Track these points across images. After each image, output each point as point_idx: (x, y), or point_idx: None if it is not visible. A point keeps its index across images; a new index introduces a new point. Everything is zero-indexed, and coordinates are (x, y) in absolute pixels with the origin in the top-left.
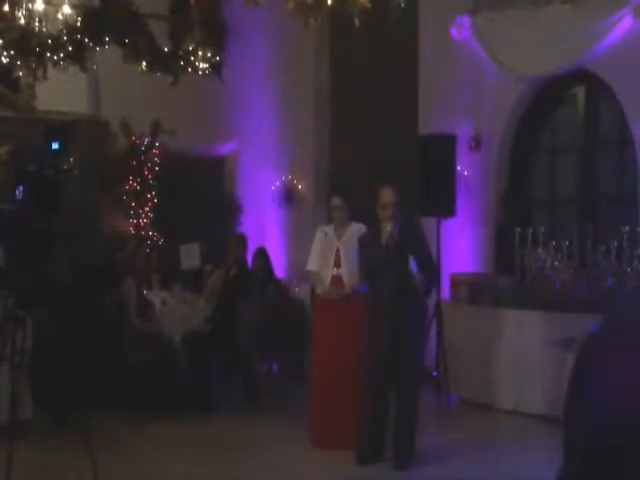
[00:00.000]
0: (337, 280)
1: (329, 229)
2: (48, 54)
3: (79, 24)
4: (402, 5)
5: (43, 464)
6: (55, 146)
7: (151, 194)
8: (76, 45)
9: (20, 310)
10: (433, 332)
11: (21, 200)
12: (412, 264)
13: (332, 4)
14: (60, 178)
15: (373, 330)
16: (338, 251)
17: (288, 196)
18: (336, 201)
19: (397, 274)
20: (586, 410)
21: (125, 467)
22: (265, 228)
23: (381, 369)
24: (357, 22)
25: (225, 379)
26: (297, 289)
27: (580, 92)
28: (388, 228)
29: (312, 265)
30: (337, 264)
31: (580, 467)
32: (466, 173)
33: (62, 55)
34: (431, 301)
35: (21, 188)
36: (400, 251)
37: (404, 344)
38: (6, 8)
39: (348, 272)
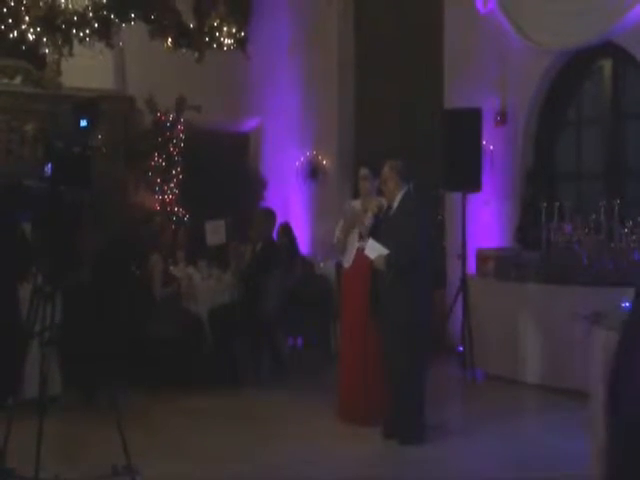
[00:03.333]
0: (361, 253)
1: (356, 203)
2: (74, 31)
3: (105, 0)
4: None
5: (72, 438)
6: (83, 123)
7: (176, 170)
8: (102, 21)
9: (49, 286)
10: (458, 306)
11: (50, 177)
12: (370, 245)
13: None
14: (88, 155)
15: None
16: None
17: (312, 171)
18: (363, 171)
19: None
20: (633, 389)
21: (153, 440)
22: (289, 203)
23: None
24: None
25: (251, 354)
26: (322, 264)
27: (606, 65)
28: (373, 204)
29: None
30: (362, 237)
31: (627, 442)
32: (492, 147)
33: (88, 32)
34: (456, 275)
35: (50, 165)
36: (376, 228)
37: (383, 317)
38: None
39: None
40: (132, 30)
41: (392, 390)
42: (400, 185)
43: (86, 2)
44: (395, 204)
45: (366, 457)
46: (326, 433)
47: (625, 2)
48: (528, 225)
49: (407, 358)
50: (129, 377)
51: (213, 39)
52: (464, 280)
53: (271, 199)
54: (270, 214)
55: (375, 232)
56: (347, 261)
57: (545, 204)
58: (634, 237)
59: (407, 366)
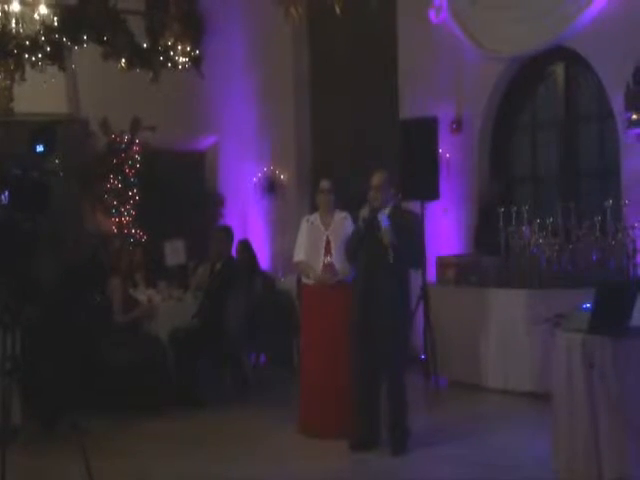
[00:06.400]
0: (329, 268)
1: (314, 218)
2: (26, 55)
3: (56, 24)
4: None
5: (36, 468)
6: (40, 148)
7: (132, 191)
8: (54, 45)
9: (8, 315)
10: (420, 315)
11: (6, 204)
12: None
13: None
14: (45, 180)
15: (352, 311)
16: (328, 240)
17: (270, 186)
18: (325, 184)
19: (368, 254)
20: None
21: (117, 466)
22: (248, 219)
23: (361, 351)
24: (338, 10)
25: (214, 373)
26: (283, 280)
27: (559, 69)
28: (363, 211)
29: (299, 256)
30: (328, 252)
31: None
32: (448, 155)
33: (40, 56)
34: (417, 284)
35: (6, 192)
36: (370, 231)
37: (379, 324)
38: None
39: (339, 259)
40: (84, 52)
41: (393, 399)
42: (390, 195)
43: (37, 26)
44: (385, 212)
45: (336, 470)
46: (294, 449)
47: (575, 6)
48: (486, 230)
49: (401, 362)
50: (91, 404)
51: (168, 58)
52: (424, 288)
53: (229, 216)
54: (227, 232)
55: (366, 236)
56: (313, 277)
57: (502, 208)
58: (592, 238)
59: (401, 371)
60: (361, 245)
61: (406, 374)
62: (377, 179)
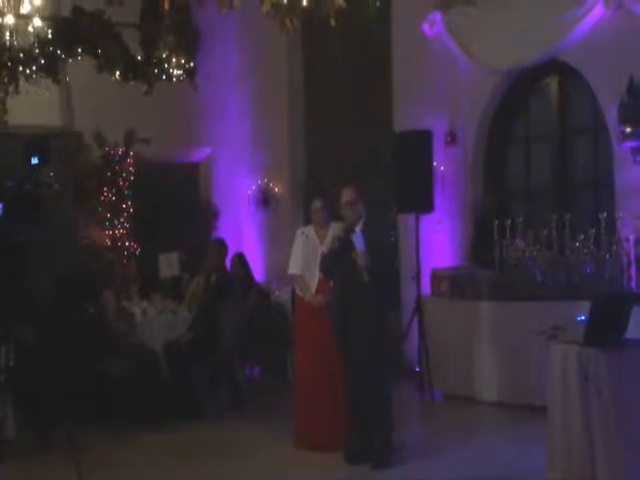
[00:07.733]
0: (324, 283)
1: (309, 231)
2: (20, 68)
3: (50, 36)
4: (377, 4)
5: None
6: (35, 161)
7: (127, 204)
8: (48, 57)
9: (1, 328)
10: (414, 327)
11: (0, 216)
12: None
13: (307, 5)
14: (40, 193)
15: (331, 328)
16: (324, 254)
17: (264, 199)
18: (317, 204)
19: (343, 273)
20: None
21: (111, 477)
22: (242, 232)
23: (347, 366)
24: (333, 22)
25: (208, 386)
26: (277, 292)
27: (553, 82)
28: (336, 228)
29: (295, 269)
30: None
31: None
32: (442, 168)
33: (34, 68)
34: (411, 296)
35: (0, 205)
36: (345, 249)
37: (355, 340)
38: None
39: None
40: (78, 64)
41: (367, 413)
42: (363, 208)
43: (32, 39)
44: (358, 227)
45: None
46: (289, 461)
47: (569, 20)
48: (481, 243)
49: (380, 376)
50: (84, 416)
51: (162, 71)
52: (419, 301)
53: (223, 228)
54: (222, 245)
55: (342, 255)
56: (309, 294)
57: (497, 221)
58: (585, 251)
59: (381, 385)
60: (336, 264)
61: (392, 388)
62: (348, 195)
